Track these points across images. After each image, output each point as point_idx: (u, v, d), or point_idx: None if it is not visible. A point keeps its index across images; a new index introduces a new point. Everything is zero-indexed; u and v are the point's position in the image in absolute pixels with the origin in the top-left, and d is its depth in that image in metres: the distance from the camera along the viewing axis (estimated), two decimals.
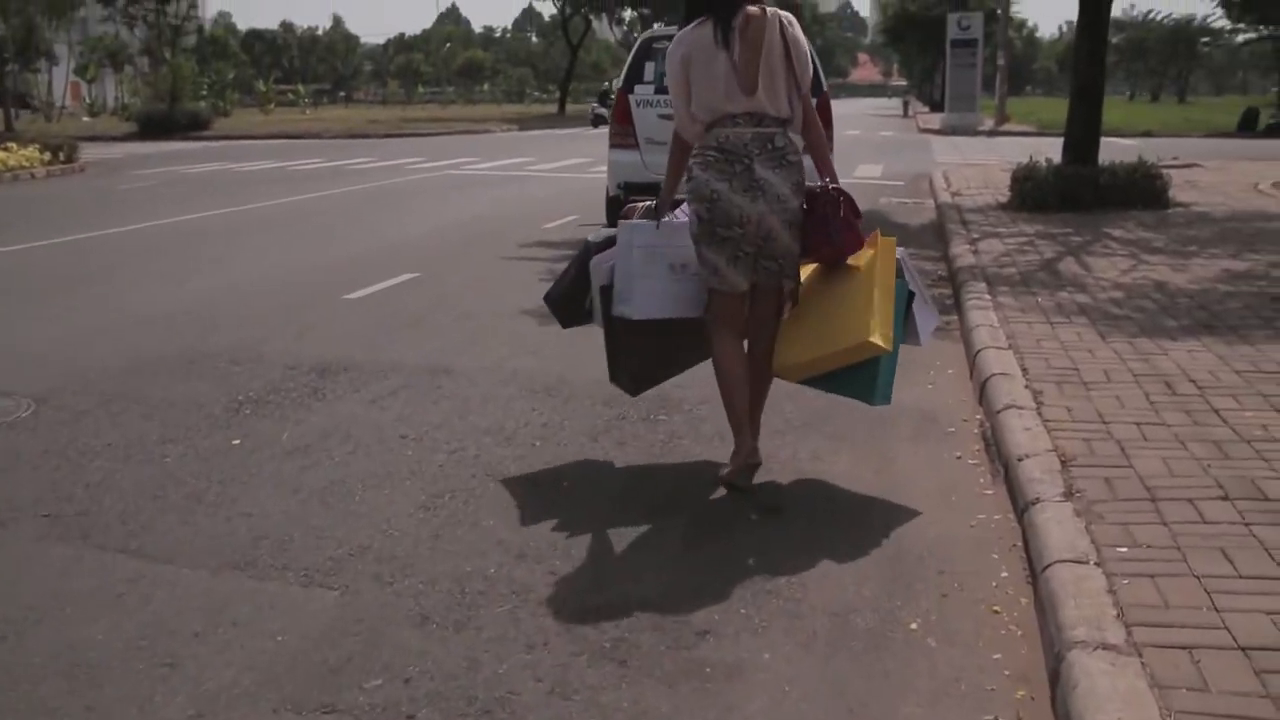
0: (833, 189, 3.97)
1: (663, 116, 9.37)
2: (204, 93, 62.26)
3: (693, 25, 3.94)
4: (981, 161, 21.00)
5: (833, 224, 3.94)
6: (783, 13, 3.95)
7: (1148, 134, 30.46)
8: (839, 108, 68.76)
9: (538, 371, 5.61)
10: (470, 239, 10.64)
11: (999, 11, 52.54)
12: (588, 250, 4.29)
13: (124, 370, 5.72)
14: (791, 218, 3.96)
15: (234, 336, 6.41)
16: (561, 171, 19.27)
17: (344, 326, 6.69)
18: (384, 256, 9.43)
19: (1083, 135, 11.83)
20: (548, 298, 4.51)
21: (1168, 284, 7.24)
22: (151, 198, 15.12)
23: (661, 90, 9.62)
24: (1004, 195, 12.89)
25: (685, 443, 4.59)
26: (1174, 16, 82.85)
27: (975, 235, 9.88)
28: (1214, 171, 16.54)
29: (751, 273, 3.98)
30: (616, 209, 9.49)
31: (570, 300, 4.39)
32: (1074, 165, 11.61)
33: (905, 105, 51.91)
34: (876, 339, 3.84)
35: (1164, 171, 11.71)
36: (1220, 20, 60.26)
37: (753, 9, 3.88)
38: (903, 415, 4.89)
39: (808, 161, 4.07)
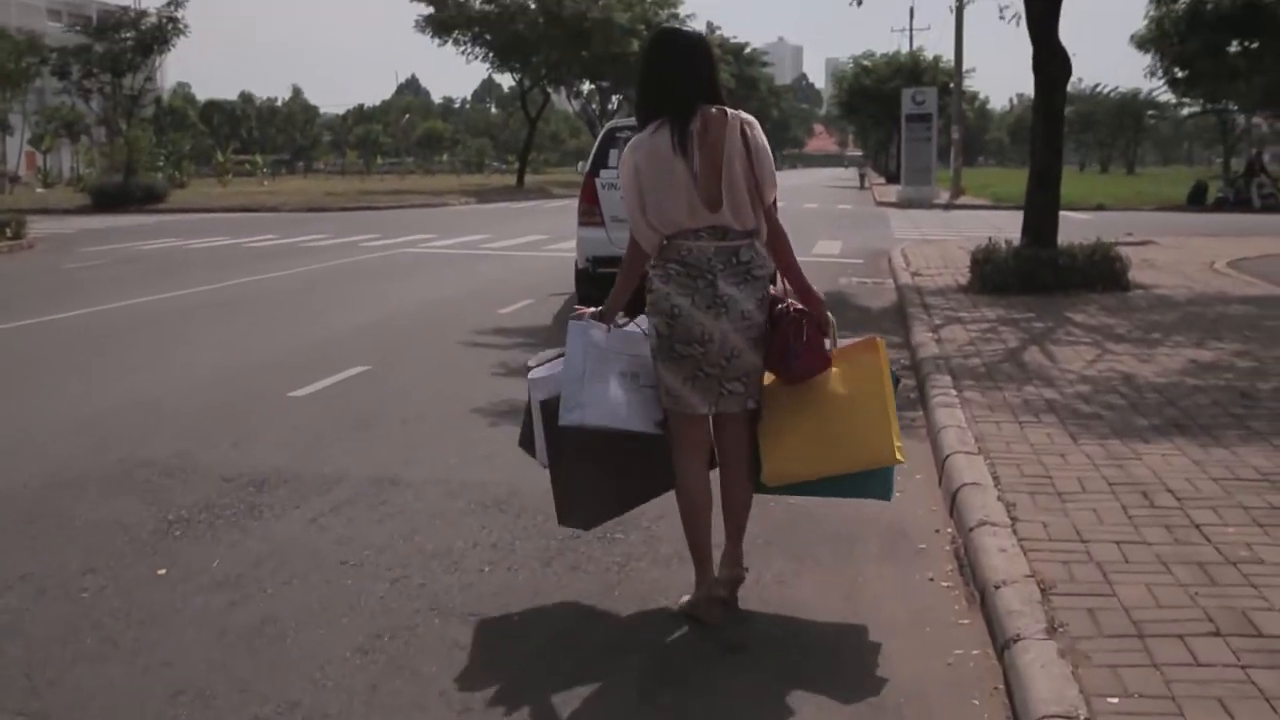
0: (795, 311, 3.74)
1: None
2: (160, 163, 62.07)
3: (649, 130, 3.67)
4: (939, 238, 21.12)
5: (792, 349, 3.73)
6: (744, 115, 3.71)
7: (1100, 207, 30.90)
8: (795, 178, 70.34)
9: (489, 483, 5.35)
10: (423, 326, 10.36)
11: (951, 85, 53.59)
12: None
13: (48, 485, 5.38)
14: (757, 334, 3.74)
15: (170, 443, 6.09)
16: (518, 249, 19.09)
17: (287, 429, 6.40)
18: (334, 347, 9.13)
19: (1041, 218, 11.84)
20: (522, 443, 4.15)
21: (1135, 376, 7.11)
22: (99, 279, 14.77)
23: None
24: (964, 275, 12.87)
25: (642, 565, 4.33)
26: (1121, 90, 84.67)
27: (937, 320, 9.77)
28: (1170, 249, 16.66)
29: (716, 397, 3.74)
30: (585, 282, 10.96)
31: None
32: (1033, 247, 11.59)
33: (861, 177, 52.49)
34: (901, 455, 3.77)
35: (1123, 253, 11.69)
36: (1165, 94, 61.67)
37: (711, 111, 3.65)
38: (870, 529, 4.67)
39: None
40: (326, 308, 11.69)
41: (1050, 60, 11.68)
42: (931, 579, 4.23)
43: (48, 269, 16.49)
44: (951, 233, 22.94)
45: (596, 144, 11.94)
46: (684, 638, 3.74)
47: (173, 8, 40.82)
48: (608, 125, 14.16)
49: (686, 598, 3.90)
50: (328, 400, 7.13)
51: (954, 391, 6.77)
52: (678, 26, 3.85)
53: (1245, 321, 9.38)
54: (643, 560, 4.38)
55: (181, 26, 41.67)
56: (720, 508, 3.92)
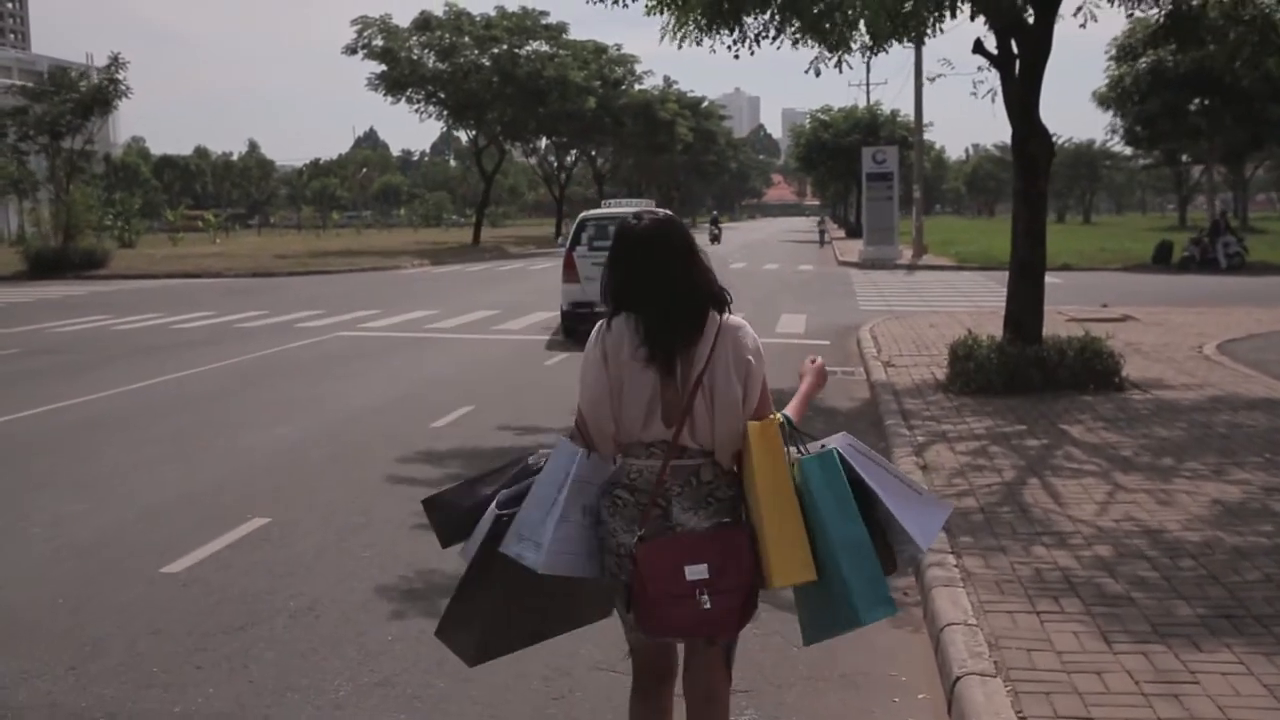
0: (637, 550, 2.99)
1: (595, 264, 14.71)
2: (108, 223, 60.49)
3: (623, 315, 3.13)
4: (907, 309, 20.26)
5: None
6: (732, 320, 3.14)
7: (1066, 267, 30.27)
8: (755, 230, 70.46)
9: None
10: (343, 451, 9.04)
11: (909, 138, 53.31)
12: (524, 470, 3.26)
13: None
14: None
15: None
16: (464, 330, 17.94)
17: (142, 635, 5.14)
18: (232, 489, 7.80)
19: (1025, 311, 10.91)
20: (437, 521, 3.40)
21: (1160, 533, 6.09)
22: None
23: (594, 249, 16.21)
24: (940, 365, 11.95)
25: None
26: (1075, 140, 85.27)
27: (919, 436, 8.77)
28: (1151, 326, 15.85)
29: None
30: (569, 319, 16.10)
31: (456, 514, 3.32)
32: (1017, 343, 10.63)
33: (821, 234, 51.85)
34: (777, 582, 3.05)
35: (1113, 349, 10.77)
36: (1119, 145, 61.94)
37: (700, 330, 3.13)
38: None
39: None
40: (236, 424, 10.28)
41: (1031, 140, 10.81)
42: None
43: None
44: (919, 301, 22.13)
45: (573, 229, 17.39)
46: None
47: (114, 69, 39.74)
48: (581, 215, 18.34)
49: None
50: (206, 580, 5.89)
51: (953, 559, 5.72)
52: (638, 218, 3.20)
53: (1261, 437, 8.43)
54: None
55: (123, 88, 40.59)
56: None
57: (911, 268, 34.00)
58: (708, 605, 2.93)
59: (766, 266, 35.19)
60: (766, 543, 3.02)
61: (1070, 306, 17.61)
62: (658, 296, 3.09)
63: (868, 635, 4.10)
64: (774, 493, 3.03)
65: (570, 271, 16.19)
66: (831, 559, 3.02)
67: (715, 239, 52.11)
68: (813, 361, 3.48)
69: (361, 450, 9.04)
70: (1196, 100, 32.21)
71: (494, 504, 3.20)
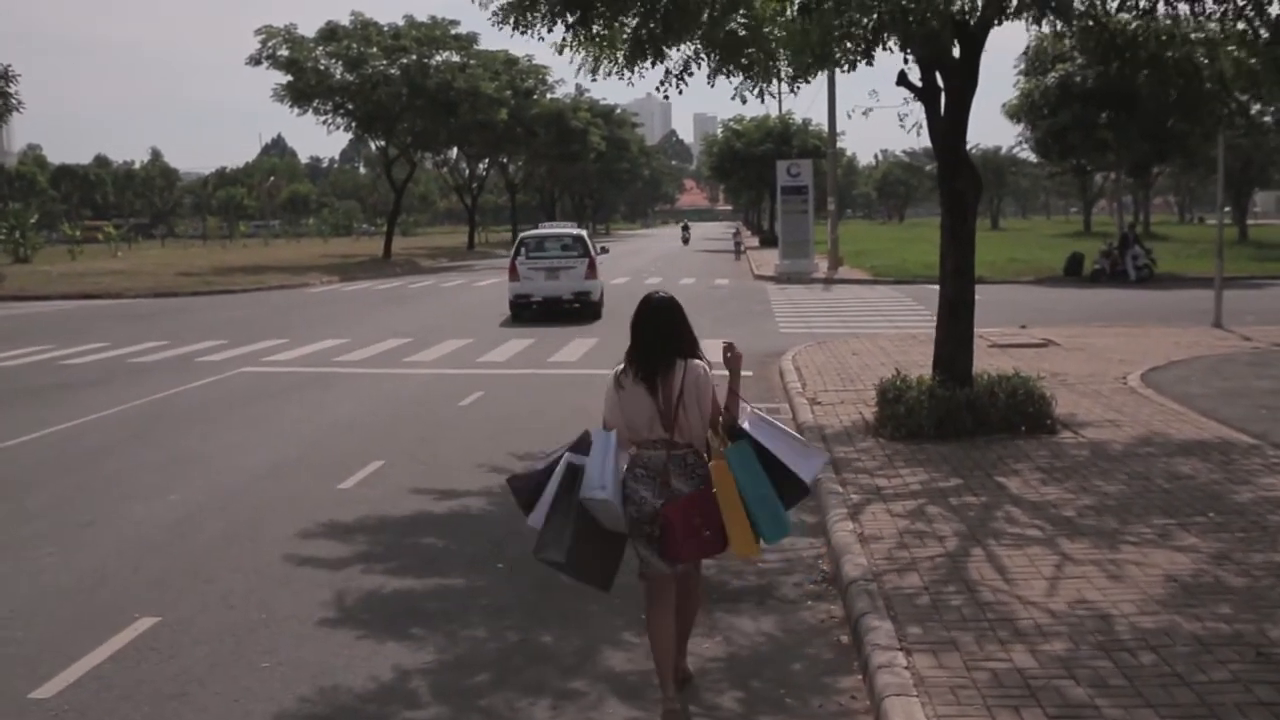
0: (664, 510, 4.92)
1: (530, 267, 24.28)
2: (1, 237, 57.98)
3: (628, 368, 5.04)
4: (827, 331, 20.04)
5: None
6: (694, 362, 4.99)
7: (980, 280, 30.35)
8: (670, 238, 71.17)
9: None
10: (239, 526, 8.24)
11: (821, 148, 53.47)
12: (582, 441, 5.09)
13: None
14: None
15: None
16: (374, 363, 17.20)
17: None
18: (115, 580, 7.03)
19: (955, 351, 10.61)
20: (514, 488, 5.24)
21: (1115, 617, 5.76)
22: None
23: (530, 258, 24.54)
24: (867, 402, 11.67)
25: None
26: (981, 147, 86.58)
27: (853, 495, 8.40)
28: (1073, 353, 15.78)
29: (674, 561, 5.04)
30: (514, 307, 24.03)
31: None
32: (948, 385, 10.33)
33: (737, 246, 51.68)
34: (738, 553, 5.10)
35: (1044, 391, 10.53)
36: (1025, 152, 63.01)
37: (674, 363, 4.97)
38: None
39: None
40: (121, 492, 9.31)
41: (959, 176, 10.54)
42: None
43: None
44: (838, 323, 21.94)
45: (515, 245, 25.88)
46: None
47: (3, 82, 38.11)
48: (520, 235, 27.06)
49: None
50: (82, 709, 5.17)
51: (902, 659, 5.32)
52: (654, 296, 5.15)
53: (1200, 490, 8.20)
54: None
55: (15, 102, 38.97)
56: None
57: (828, 282, 33.94)
58: (707, 534, 4.91)
59: (683, 282, 34.86)
60: (729, 527, 4.92)
61: (991, 330, 17.50)
62: (658, 355, 4.96)
63: None
64: (732, 507, 4.93)
65: (514, 274, 24.19)
66: (750, 507, 4.94)
67: (686, 241, 70.63)
68: (728, 352, 5.02)
69: (261, 523, 8.35)
70: (1104, 114, 32.59)
71: (564, 459, 5.01)
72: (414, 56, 51.00)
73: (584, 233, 27.19)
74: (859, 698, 5.27)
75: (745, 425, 5.04)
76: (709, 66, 10.98)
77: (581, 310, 23.86)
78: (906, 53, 10.04)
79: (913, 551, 7.00)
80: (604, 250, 28.14)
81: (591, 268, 24.36)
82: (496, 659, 5.81)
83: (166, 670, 5.65)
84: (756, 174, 64.44)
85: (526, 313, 23.77)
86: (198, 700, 5.30)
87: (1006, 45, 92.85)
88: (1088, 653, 5.34)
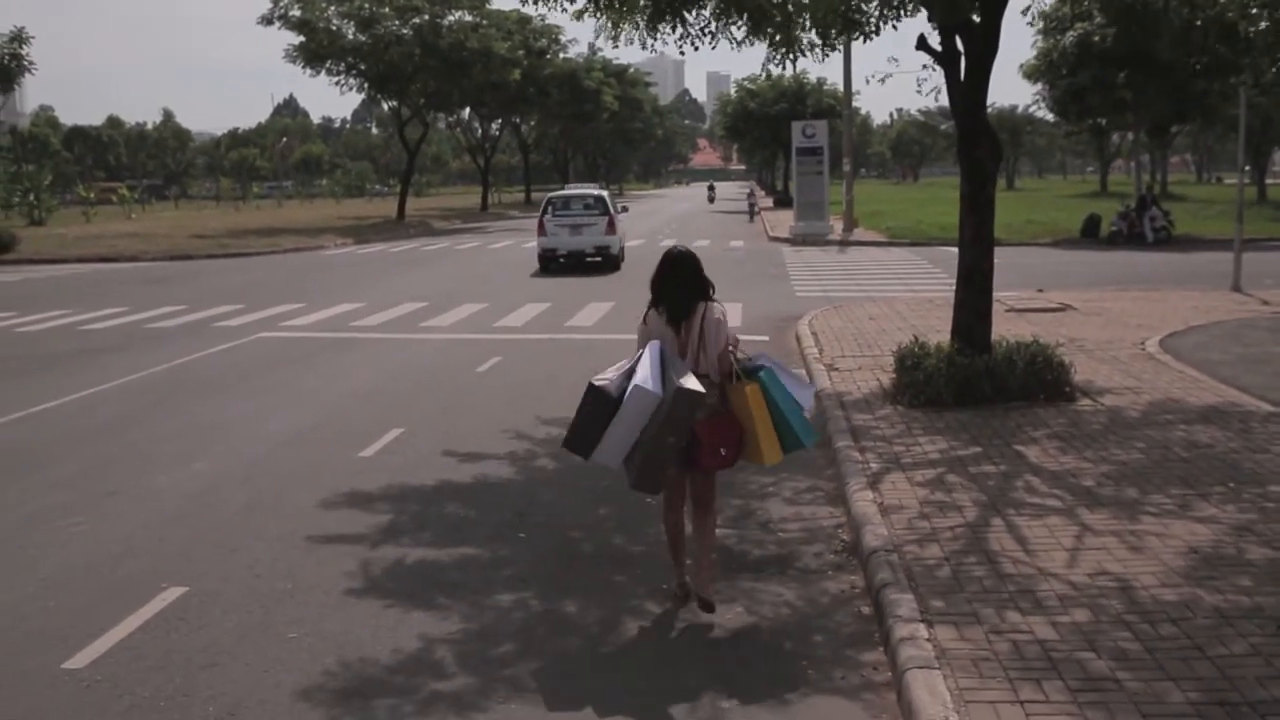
0: (695, 426, 5.71)
1: (556, 224, 26.46)
2: (16, 200, 58.00)
3: (657, 310, 5.94)
4: (843, 294, 19.99)
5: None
6: (712, 304, 5.93)
7: (996, 243, 30.21)
8: (683, 199, 71.63)
9: None
10: (259, 496, 8.28)
11: (836, 107, 53.06)
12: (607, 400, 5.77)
13: None
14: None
15: None
16: (391, 328, 17.26)
17: None
18: (142, 550, 7.09)
19: (973, 320, 10.58)
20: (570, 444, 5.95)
21: (1135, 589, 5.79)
22: None
23: (556, 215, 26.64)
24: (885, 368, 11.69)
25: None
26: (998, 106, 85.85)
27: (873, 464, 8.42)
28: (1091, 317, 15.71)
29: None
30: (542, 260, 26.53)
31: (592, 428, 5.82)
32: (966, 353, 10.32)
33: (751, 208, 51.39)
34: (768, 461, 5.92)
35: (1064, 358, 10.51)
36: (1041, 111, 62.40)
37: (695, 304, 5.87)
38: None
39: None
40: (144, 461, 9.34)
41: (978, 143, 10.47)
42: None
43: None
44: (854, 286, 21.87)
45: (543, 204, 27.59)
46: None
47: (16, 45, 38.07)
48: (547, 196, 28.96)
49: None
50: (114, 677, 5.25)
51: (924, 631, 5.36)
52: (674, 250, 6.11)
53: (1219, 459, 8.20)
54: None
55: (27, 64, 38.91)
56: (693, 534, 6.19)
57: (843, 244, 33.81)
58: (724, 453, 5.79)
59: (698, 244, 34.73)
60: (760, 442, 5.77)
61: (1008, 294, 17.42)
62: (682, 287, 5.86)
63: None
64: (762, 423, 5.77)
65: (542, 230, 26.37)
66: (785, 417, 5.82)
67: (711, 200, 70.83)
68: (731, 350, 5.94)
69: (283, 492, 8.42)
70: (1123, 74, 32.24)
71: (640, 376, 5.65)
72: (426, 16, 50.66)
73: (605, 193, 28.71)
74: (880, 670, 5.31)
75: (763, 360, 6.00)
76: (735, 34, 10.86)
77: (603, 263, 26.29)
78: (930, 11, 9.93)
79: (933, 521, 7.04)
80: (624, 209, 30.44)
81: (611, 225, 26.73)
82: (521, 629, 5.88)
83: (196, 641, 5.73)
84: (771, 134, 64.09)
85: (554, 264, 26.44)
86: (229, 671, 5.37)
87: (1024, 3, 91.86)
88: (1108, 624, 5.37)
